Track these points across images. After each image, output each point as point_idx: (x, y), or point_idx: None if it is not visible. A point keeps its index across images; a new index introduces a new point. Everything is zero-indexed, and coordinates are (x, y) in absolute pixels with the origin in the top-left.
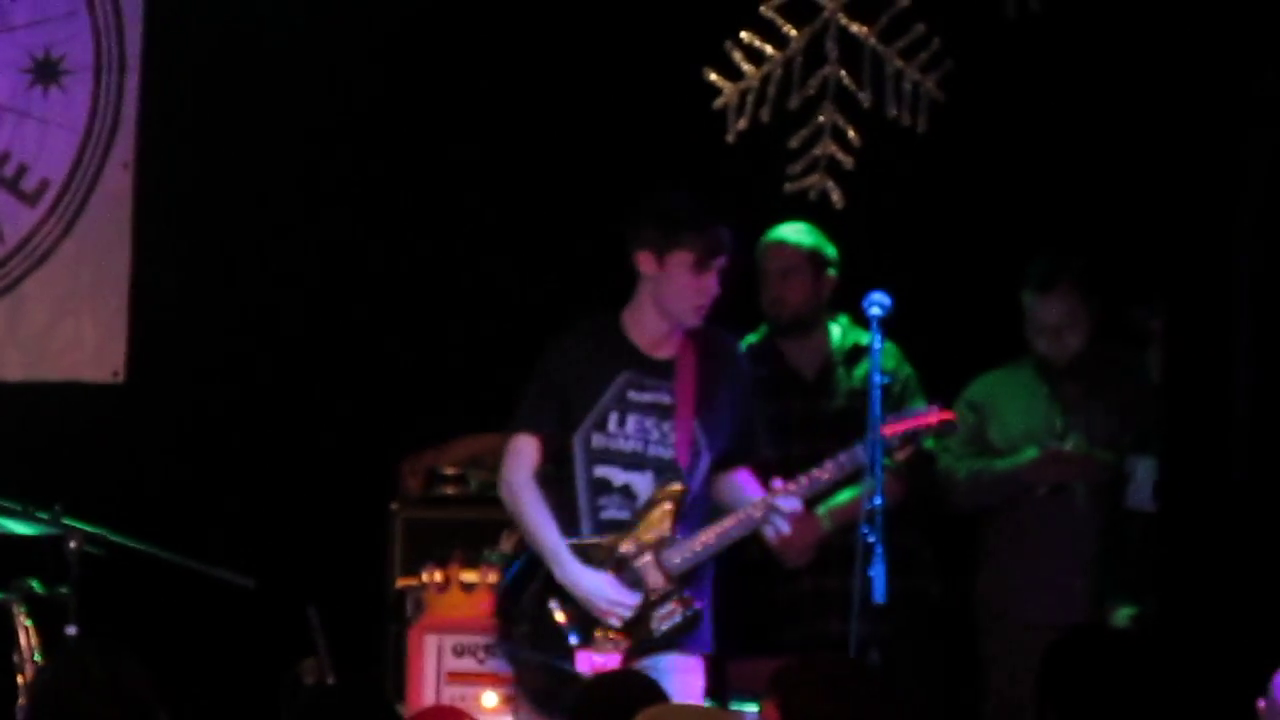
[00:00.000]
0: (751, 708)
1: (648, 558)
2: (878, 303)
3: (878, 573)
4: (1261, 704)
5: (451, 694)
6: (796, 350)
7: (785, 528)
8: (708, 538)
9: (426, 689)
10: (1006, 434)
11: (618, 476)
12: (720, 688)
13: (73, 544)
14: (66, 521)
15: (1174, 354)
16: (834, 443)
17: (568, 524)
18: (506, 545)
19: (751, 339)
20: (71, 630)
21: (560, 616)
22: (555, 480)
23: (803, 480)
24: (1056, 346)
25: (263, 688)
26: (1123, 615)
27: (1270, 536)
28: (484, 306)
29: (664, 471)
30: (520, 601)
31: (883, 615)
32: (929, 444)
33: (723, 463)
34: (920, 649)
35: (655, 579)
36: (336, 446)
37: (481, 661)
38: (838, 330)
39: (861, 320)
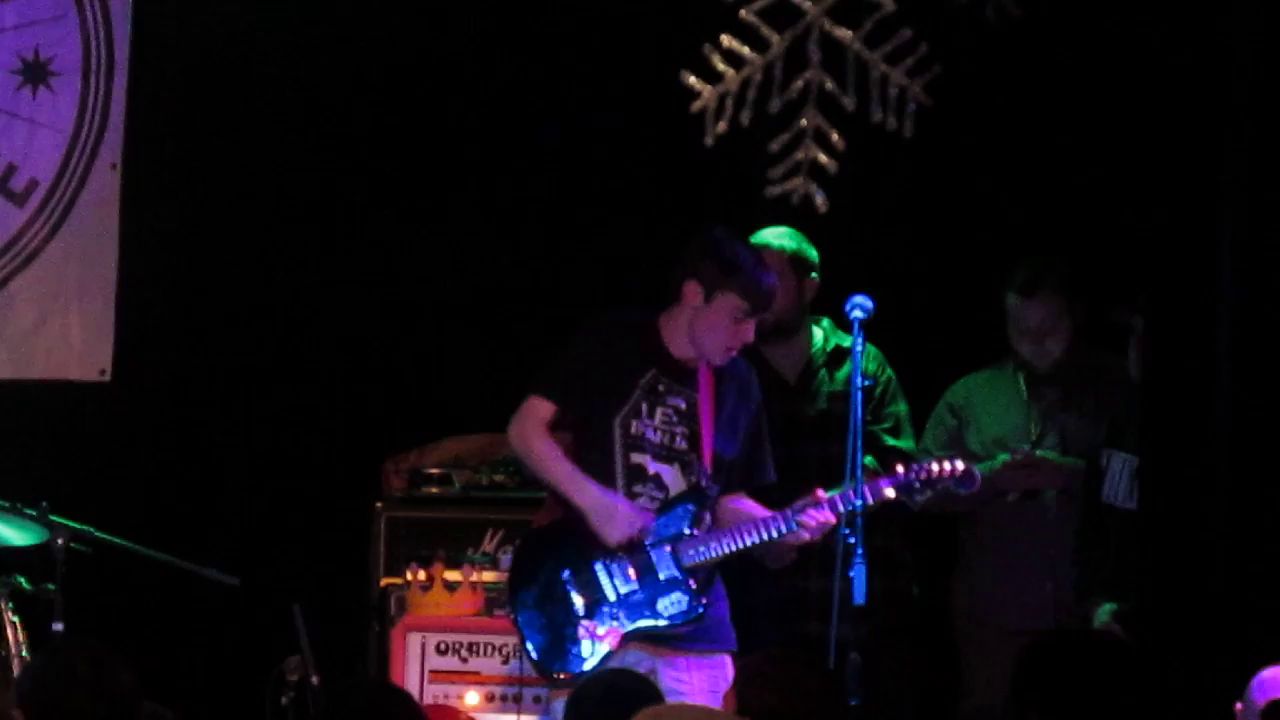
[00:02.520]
0: None
1: (664, 548)
2: (859, 306)
3: (858, 574)
4: (1239, 707)
5: (434, 692)
6: (778, 353)
7: (809, 538)
8: (726, 540)
9: (409, 688)
10: (982, 438)
11: (650, 465)
12: None
13: (59, 542)
14: (54, 519)
15: (1154, 351)
16: (814, 446)
17: None
18: (490, 545)
19: None
20: (58, 627)
21: (570, 586)
22: (591, 463)
23: (835, 498)
24: (1038, 351)
25: (247, 686)
26: (1103, 612)
27: (1250, 535)
28: (469, 308)
29: (689, 468)
30: (528, 573)
31: (863, 617)
32: (906, 445)
33: (727, 486)
34: (900, 650)
35: (667, 568)
36: (321, 446)
37: (464, 660)
38: (819, 333)
39: (844, 323)
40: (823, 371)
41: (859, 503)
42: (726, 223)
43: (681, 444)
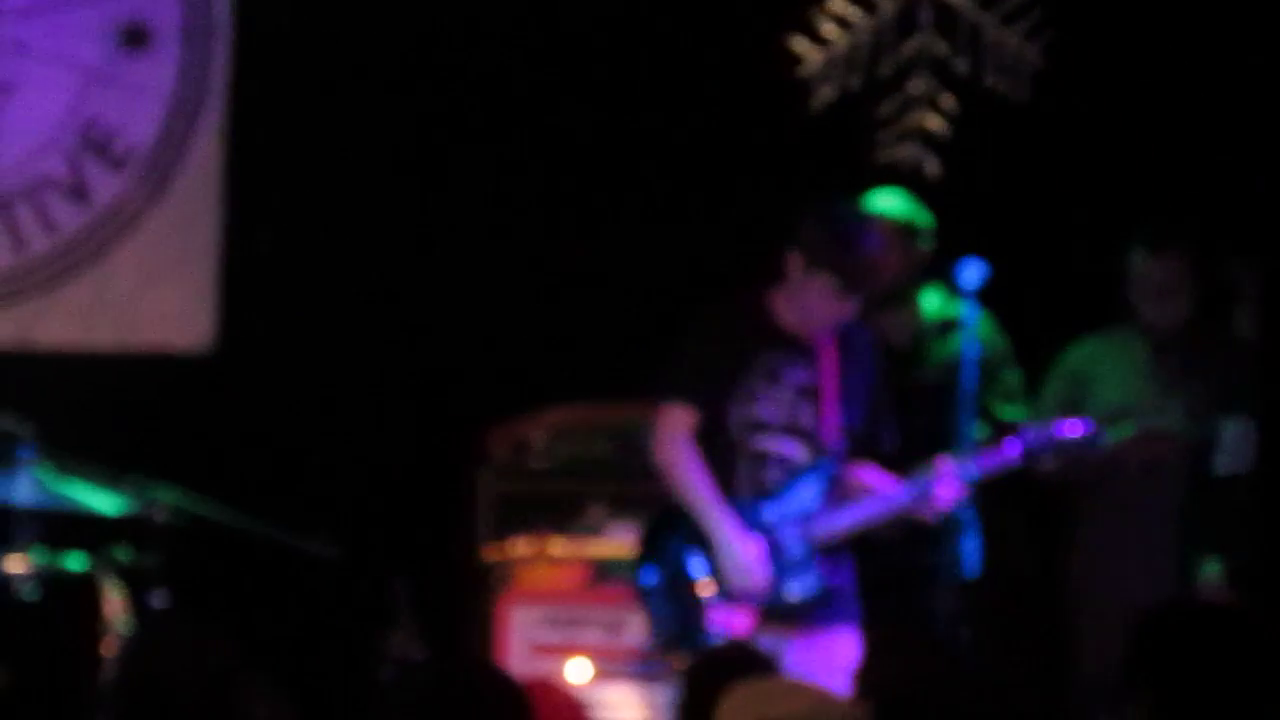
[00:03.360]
0: None
1: (791, 527)
2: (972, 272)
3: (969, 547)
4: None
5: (539, 666)
6: (888, 322)
7: (937, 509)
8: (854, 514)
9: (514, 661)
10: (1104, 407)
11: (774, 447)
12: None
13: (159, 514)
14: (152, 491)
15: (1274, 311)
16: (925, 416)
17: (726, 495)
18: (595, 517)
19: None
20: (157, 600)
21: (699, 571)
22: (711, 453)
23: (961, 468)
24: (1161, 310)
25: (347, 660)
26: (1209, 569)
27: None
28: (574, 278)
29: (814, 444)
30: (660, 550)
31: (973, 590)
32: (1020, 415)
33: (852, 456)
34: (1011, 625)
35: (795, 549)
36: (425, 416)
37: (569, 634)
38: (931, 301)
39: (955, 291)
40: (934, 340)
41: (978, 474)
42: (837, 189)
43: (807, 419)
